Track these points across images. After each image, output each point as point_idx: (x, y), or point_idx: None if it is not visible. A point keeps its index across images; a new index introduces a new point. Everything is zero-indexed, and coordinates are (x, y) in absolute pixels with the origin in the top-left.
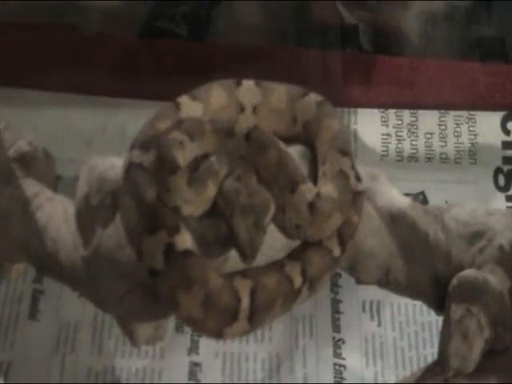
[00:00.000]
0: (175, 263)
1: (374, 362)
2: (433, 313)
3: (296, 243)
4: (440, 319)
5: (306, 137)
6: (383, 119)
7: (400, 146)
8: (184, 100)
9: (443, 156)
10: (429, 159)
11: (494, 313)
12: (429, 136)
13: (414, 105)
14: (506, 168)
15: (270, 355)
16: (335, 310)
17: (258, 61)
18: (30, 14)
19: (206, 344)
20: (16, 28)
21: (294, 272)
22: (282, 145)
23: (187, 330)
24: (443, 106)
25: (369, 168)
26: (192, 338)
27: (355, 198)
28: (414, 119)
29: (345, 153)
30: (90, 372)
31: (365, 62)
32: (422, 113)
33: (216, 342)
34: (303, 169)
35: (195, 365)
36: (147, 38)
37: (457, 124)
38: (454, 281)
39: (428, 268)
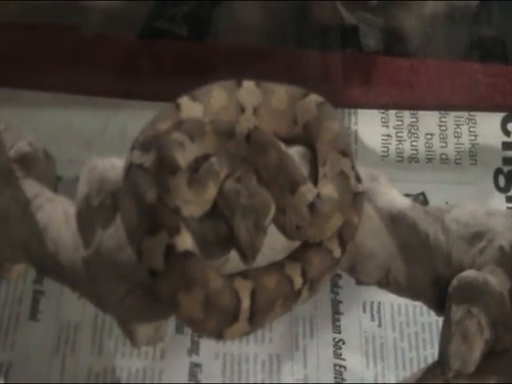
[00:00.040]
0: (175, 264)
1: (374, 363)
2: (433, 314)
3: (296, 244)
4: (440, 320)
5: (307, 138)
6: (383, 120)
7: (400, 146)
8: (184, 101)
9: (443, 157)
10: (429, 160)
11: (494, 314)
12: (429, 137)
13: (415, 105)
14: (506, 169)
15: (270, 356)
16: (335, 311)
17: (259, 61)
18: (30, 14)
19: (207, 345)
20: (16, 28)
21: (295, 273)
22: (282, 146)
23: (187, 330)
24: (443, 106)
25: (369, 169)
26: (192, 338)
27: (355, 198)
28: (415, 120)
29: (345, 154)
30: (91, 372)
31: (365, 62)
32: (422, 113)
33: (216, 343)
34: (303, 170)
35: (195, 366)
36: (147, 39)
37: (457, 125)
38: (455, 282)
39: (428, 269)
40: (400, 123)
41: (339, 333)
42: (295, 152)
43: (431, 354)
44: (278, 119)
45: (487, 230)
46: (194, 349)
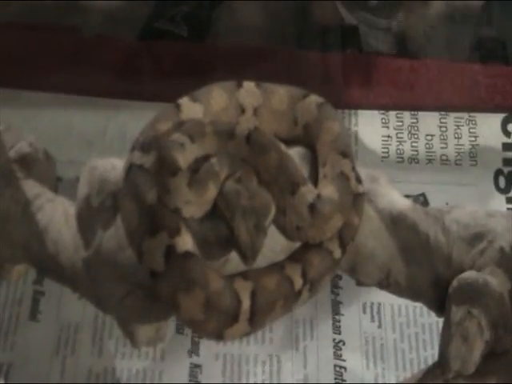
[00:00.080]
0: (176, 265)
1: (374, 364)
2: (433, 314)
3: (296, 245)
4: (440, 321)
5: (307, 139)
6: (384, 121)
7: (400, 147)
8: (185, 101)
9: (444, 158)
10: (429, 161)
11: (494, 315)
12: (429, 138)
13: (415, 106)
14: (506, 170)
15: (270, 357)
16: (335, 312)
17: (259, 62)
18: (30, 14)
19: (207, 345)
20: (17, 29)
21: (295, 274)
22: (282, 146)
23: (188, 331)
24: (444, 107)
25: (369, 170)
26: (192, 339)
27: (356, 199)
28: (415, 121)
29: (345, 155)
30: (91, 373)
31: (365, 63)
32: (422, 114)
33: (216, 344)
34: (304, 171)
35: (196, 366)
36: (147, 39)
37: (457, 126)
38: (455, 283)
39: (428, 270)
40: (400, 124)
41: (339, 333)
42: (295, 153)
43: (431, 354)
44: (279, 120)
45: (487, 231)
46: (194, 349)
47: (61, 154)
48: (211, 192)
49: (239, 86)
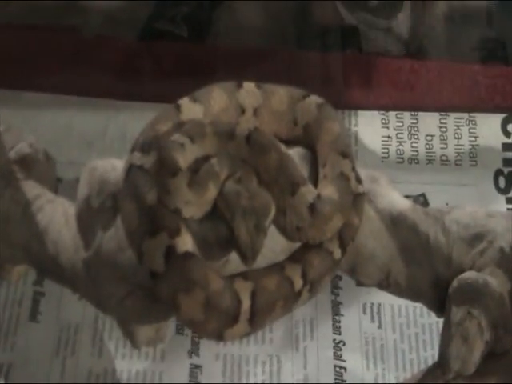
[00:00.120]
0: (176, 265)
1: (374, 364)
2: (433, 315)
3: (296, 245)
4: (440, 321)
5: (307, 139)
6: (384, 121)
7: (401, 148)
8: (185, 102)
9: (444, 158)
10: (429, 161)
11: (494, 315)
12: (429, 138)
13: (415, 107)
14: (506, 170)
15: (270, 357)
16: (335, 312)
17: (259, 62)
18: (30, 15)
19: (207, 346)
20: (16, 29)
21: (295, 274)
22: (282, 147)
23: (188, 331)
24: (444, 108)
25: (369, 170)
26: (192, 339)
27: (356, 200)
28: (415, 121)
29: (345, 155)
30: (91, 374)
31: (365, 63)
32: (422, 115)
33: (216, 344)
34: (304, 171)
35: (196, 367)
36: (147, 40)
37: (457, 126)
38: (455, 283)
39: (428, 270)
40: (400, 124)
41: (339, 334)
42: (295, 153)
43: (431, 355)
44: (279, 120)
45: (487, 232)
46: (194, 350)
47: (61, 155)
48: (211, 192)
49: (239, 86)
